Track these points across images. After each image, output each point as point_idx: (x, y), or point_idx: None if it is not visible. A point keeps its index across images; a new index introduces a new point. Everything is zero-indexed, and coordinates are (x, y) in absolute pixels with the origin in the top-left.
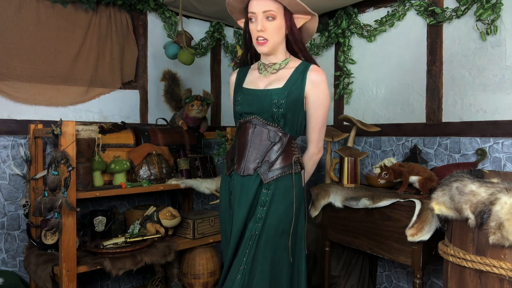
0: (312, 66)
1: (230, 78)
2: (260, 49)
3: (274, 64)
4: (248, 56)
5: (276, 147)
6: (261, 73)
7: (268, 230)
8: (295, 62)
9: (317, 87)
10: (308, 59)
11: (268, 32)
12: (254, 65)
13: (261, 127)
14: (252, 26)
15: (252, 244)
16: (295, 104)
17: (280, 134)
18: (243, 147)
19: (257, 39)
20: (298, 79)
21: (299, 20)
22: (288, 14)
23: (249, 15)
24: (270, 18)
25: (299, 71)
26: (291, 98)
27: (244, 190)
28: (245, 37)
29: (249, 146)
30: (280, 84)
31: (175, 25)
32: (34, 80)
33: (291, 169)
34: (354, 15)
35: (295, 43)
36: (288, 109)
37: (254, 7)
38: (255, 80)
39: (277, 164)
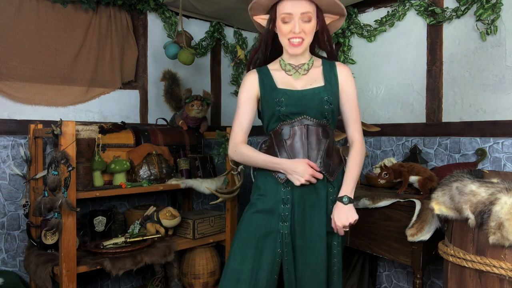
0: (337, 63)
1: (247, 77)
2: (294, 50)
3: (303, 64)
4: (267, 55)
5: (330, 144)
6: (290, 75)
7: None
8: (318, 61)
9: (350, 80)
10: (334, 57)
11: (305, 34)
12: (273, 66)
13: (313, 126)
14: (285, 27)
15: (337, 260)
16: (337, 100)
17: (329, 131)
18: (298, 150)
19: (291, 41)
20: (331, 77)
21: (327, 19)
22: (320, 14)
23: (284, 15)
24: (307, 20)
25: (327, 69)
26: (335, 94)
27: (315, 194)
28: (267, 35)
29: (306, 147)
30: (320, 83)
31: (175, 25)
32: (34, 80)
33: (342, 164)
34: (354, 15)
35: (324, 42)
36: (335, 105)
37: (290, 8)
38: (288, 81)
39: (334, 160)
